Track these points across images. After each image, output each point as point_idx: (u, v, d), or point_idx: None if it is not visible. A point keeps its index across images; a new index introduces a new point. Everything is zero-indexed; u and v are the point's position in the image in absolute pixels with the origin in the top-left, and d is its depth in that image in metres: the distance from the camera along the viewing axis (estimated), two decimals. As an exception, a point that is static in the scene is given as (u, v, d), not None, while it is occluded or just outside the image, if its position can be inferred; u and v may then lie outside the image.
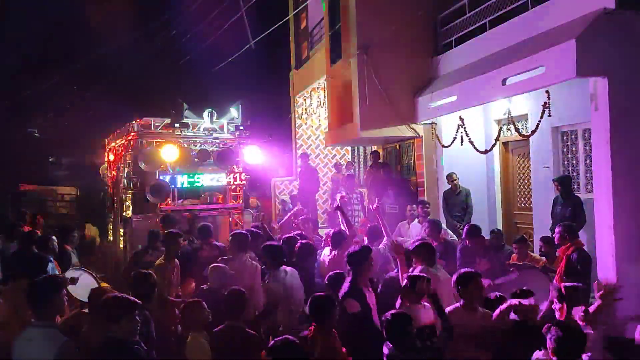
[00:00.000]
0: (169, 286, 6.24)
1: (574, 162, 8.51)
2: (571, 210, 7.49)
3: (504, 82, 7.76)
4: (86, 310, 5.76)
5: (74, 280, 5.99)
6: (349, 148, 15.42)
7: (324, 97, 13.25)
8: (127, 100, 18.19)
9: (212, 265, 6.05)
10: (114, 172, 13.26)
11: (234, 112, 11.92)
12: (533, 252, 7.91)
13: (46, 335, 3.81)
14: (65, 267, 7.03)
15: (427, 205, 9.01)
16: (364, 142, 13.24)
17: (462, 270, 4.92)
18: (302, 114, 15.28)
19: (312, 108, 14.58)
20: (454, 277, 4.81)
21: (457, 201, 9.71)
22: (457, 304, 4.75)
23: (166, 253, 6.58)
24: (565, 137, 8.66)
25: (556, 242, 6.52)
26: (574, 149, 8.51)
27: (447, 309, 4.56)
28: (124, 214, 11.94)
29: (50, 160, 26.16)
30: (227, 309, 4.70)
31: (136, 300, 3.97)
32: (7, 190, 18.48)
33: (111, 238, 13.39)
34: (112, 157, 13.55)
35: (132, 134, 11.35)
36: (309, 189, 12.96)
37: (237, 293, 4.80)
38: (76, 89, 18.68)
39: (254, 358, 4.36)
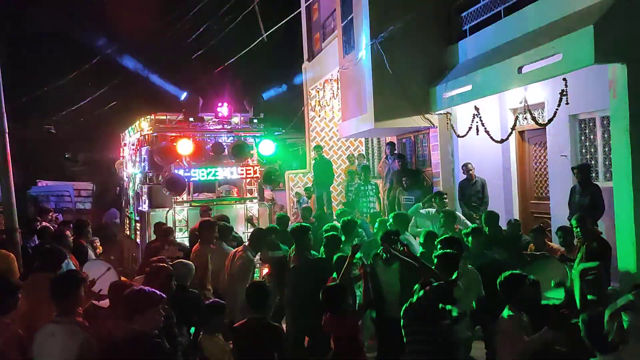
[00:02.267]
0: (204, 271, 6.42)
1: (592, 150, 8.40)
2: (590, 199, 7.40)
3: (520, 70, 7.66)
4: (96, 302, 5.85)
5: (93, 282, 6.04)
6: (362, 139, 15.37)
7: (338, 88, 13.21)
8: (141, 95, 18.31)
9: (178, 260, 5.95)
10: (129, 167, 13.36)
11: (248, 105, 11.94)
12: (551, 241, 7.84)
13: (68, 331, 3.85)
14: (82, 261, 7.11)
15: (445, 196, 8.95)
16: (378, 133, 13.19)
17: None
18: (315, 106, 15.25)
19: (325, 100, 14.54)
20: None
21: (473, 191, 9.65)
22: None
23: (202, 240, 6.79)
24: (583, 125, 8.55)
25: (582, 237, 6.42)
26: (592, 137, 8.40)
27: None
28: (140, 208, 12.03)
29: (66, 156, 26.46)
30: (249, 301, 4.70)
31: (162, 294, 3.98)
32: (25, 186, 18.68)
33: (127, 232, 13.50)
34: (127, 152, 13.64)
35: (148, 129, 11.41)
36: (324, 181, 12.96)
37: (258, 285, 4.83)
38: (90, 85, 18.80)
39: (276, 348, 4.46)
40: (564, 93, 7.26)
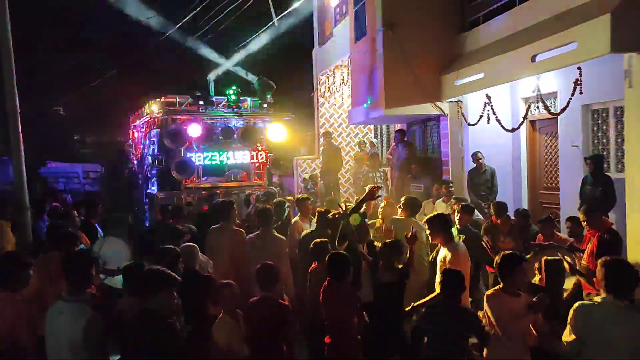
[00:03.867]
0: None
1: (605, 140, 8.34)
2: (601, 190, 7.36)
3: (533, 58, 7.58)
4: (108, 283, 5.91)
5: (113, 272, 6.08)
6: (372, 127, 15.31)
7: (348, 74, 13.14)
8: (151, 78, 18.30)
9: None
10: (138, 150, 13.39)
11: (256, 89, 11.93)
12: (559, 232, 7.80)
13: (75, 309, 3.89)
14: (92, 241, 7.19)
15: (451, 185, 8.94)
16: (387, 120, 13.12)
17: (507, 252, 4.54)
18: (325, 92, 15.18)
19: (335, 86, 14.48)
20: (497, 259, 4.47)
21: (482, 180, 9.62)
22: (497, 287, 4.47)
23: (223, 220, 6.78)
24: (595, 115, 8.48)
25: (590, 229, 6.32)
26: (604, 127, 8.33)
27: (486, 293, 4.49)
28: (149, 191, 12.09)
29: (75, 138, 26.58)
30: (260, 281, 4.80)
31: (176, 276, 3.99)
32: (35, 167, 18.78)
33: (137, 214, 13.57)
34: (136, 135, 13.68)
35: (157, 111, 11.43)
36: (332, 168, 12.95)
37: (268, 266, 4.93)
38: (100, 67, 18.81)
39: (285, 326, 4.63)
40: (578, 82, 7.18)
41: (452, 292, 4.51)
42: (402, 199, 7.35)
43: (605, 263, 3.62)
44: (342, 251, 5.29)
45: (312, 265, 5.59)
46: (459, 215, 7.05)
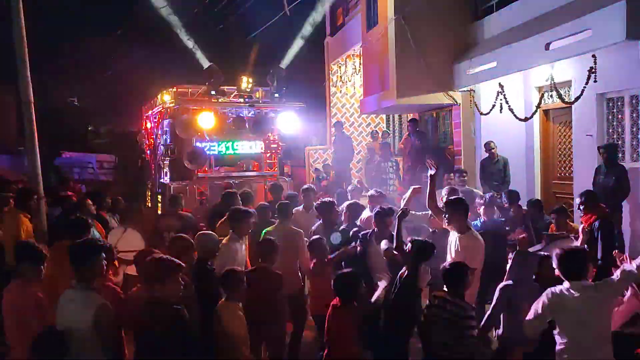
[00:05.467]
0: None
1: (620, 130, 8.23)
2: (615, 180, 7.27)
3: (547, 46, 7.51)
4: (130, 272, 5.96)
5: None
6: (384, 116, 15.26)
7: (360, 64, 13.09)
8: (164, 67, 18.35)
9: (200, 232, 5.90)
10: (151, 140, 13.46)
11: (269, 79, 11.91)
12: (573, 222, 7.74)
13: (84, 297, 3.93)
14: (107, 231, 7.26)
15: (464, 174, 8.89)
16: (400, 109, 13.08)
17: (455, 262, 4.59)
18: (337, 82, 15.14)
19: (347, 75, 14.44)
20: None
21: (494, 170, 9.55)
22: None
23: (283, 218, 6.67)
24: (610, 104, 8.36)
25: (582, 214, 6.26)
26: (619, 116, 8.22)
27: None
28: (162, 180, 12.16)
29: (89, 128, 26.79)
30: (260, 253, 5.41)
31: (180, 262, 4.03)
32: (50, 156, 18.98)
33: (149, 205, 13.67)
34: (149, 125, 13.75)
35: (170, 101, 11.47)
36: (344, 158, 12.94)
37: (268, 240, 5.51)
38: (113, 58, 18.90)
39: (277, 292, 5.26)
40: (593, 70, 7.10)
41: (454, 286, 4.39)
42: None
43: (557, 255, 4.04)
44: (350, 271, 4.96)
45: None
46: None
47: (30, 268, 4.37)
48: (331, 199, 6.81)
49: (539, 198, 9.20)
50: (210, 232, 5.82)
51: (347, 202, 7.00)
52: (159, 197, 12.20)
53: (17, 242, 5.72)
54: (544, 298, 3.99)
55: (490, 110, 9.32)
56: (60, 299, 4.06)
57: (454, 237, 5.28)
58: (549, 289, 4.02)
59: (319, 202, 6.84)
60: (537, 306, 4.00)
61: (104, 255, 4.22)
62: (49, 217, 7.75)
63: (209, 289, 4.92)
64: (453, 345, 4.28)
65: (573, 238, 6.30)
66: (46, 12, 20.74)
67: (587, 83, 7.28)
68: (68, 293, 4.02)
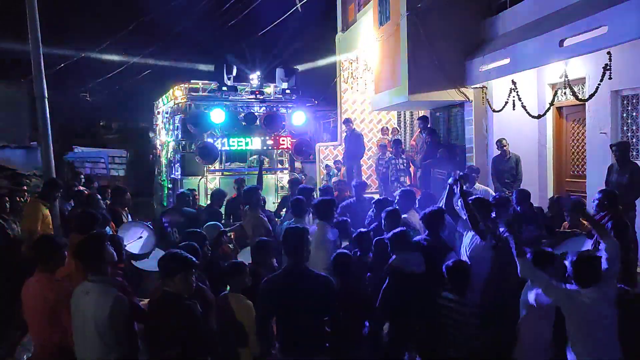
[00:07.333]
0: None
1: (634, 127, 8.15)
2: (628, 178, 7.19)
3: (561, 43, 7.43)
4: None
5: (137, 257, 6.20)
6: (395, 113, 15.20)
7: (371, 60, 13.04)
8: (175, 63, 18.39)
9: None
10: (162, 135, 13.53)
11: (281, 75, 11.91)
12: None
13: (99, 289, 3.97)
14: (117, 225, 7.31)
15: (477, 172, 8.82)
16: (411, 106, 13.01)
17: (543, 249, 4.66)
18: (347, 78, 15.09)
19: (358, 72, 14.38)
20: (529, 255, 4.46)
21: (506, 167, 9.48)
22: None
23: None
24: (625, 102, 8.28)
25: (594, 211, 6.16)
26: (634, 114, 8.13)
27: None
28: (173, 175, 12.22)
29: (100, 123, 26.96)
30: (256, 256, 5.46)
31: (193, 260, 4.06)
32: (62, 151, 19.12)
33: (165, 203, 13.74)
34: (161, 120, 13.82)
35: (181, 97, 11.52)
36: (354, 154, 12.92)
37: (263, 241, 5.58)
38: (125, 53, 18.95)
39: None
40: (608, 67, 7.02)
41: (459, 286, 4.51)
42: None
43: (571, 262, 4.08)
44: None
45: None
46: None
47: (54, 260, 4.40)
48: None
49: (552, 196, 9.14)
50: (215, 222, 5.99)
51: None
52: (170, 192, 12.28)
53: (40, 235, 5.75)
54: (564, 285, 4.07)
55: (503, 107, 9.25)
56: (75, 291, 4.09)
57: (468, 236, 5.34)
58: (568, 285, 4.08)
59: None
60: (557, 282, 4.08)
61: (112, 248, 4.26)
62: (61, 211, 7.83)
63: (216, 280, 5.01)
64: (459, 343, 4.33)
65: (585, 236, 6.25)
66: (59, 6, 20.88)
67: (601, 80, 7.21)
68: (84, 285, 4.05)
